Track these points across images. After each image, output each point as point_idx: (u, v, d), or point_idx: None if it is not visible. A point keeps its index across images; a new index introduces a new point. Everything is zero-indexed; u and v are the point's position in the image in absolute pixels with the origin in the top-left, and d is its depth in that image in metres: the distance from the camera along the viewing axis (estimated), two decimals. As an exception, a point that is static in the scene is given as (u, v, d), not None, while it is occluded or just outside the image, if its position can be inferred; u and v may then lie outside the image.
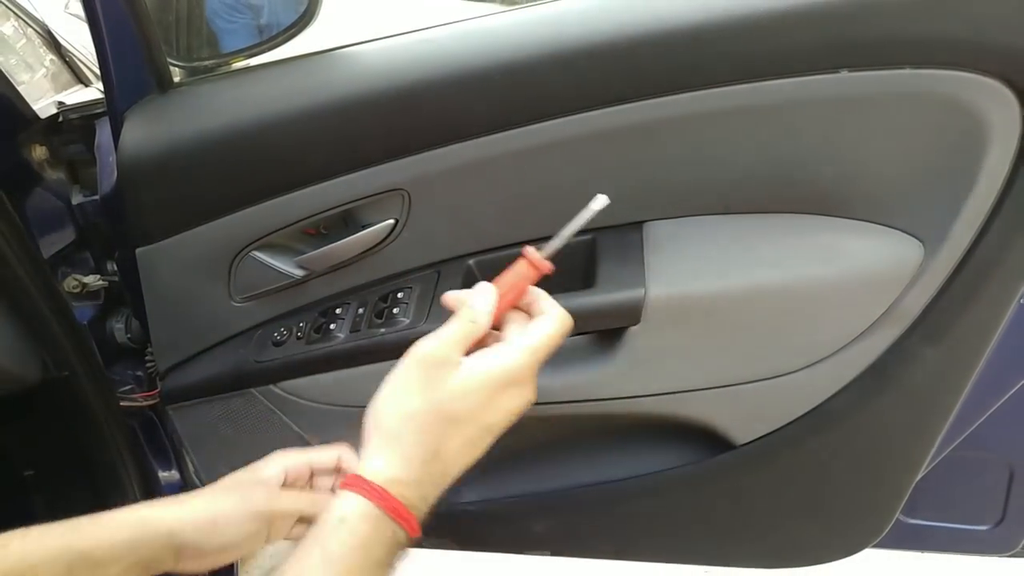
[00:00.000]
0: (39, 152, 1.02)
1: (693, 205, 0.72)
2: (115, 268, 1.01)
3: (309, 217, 0.74)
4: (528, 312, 0.52)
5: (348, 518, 0.45)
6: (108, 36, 0.73)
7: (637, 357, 0.71)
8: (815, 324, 0.70)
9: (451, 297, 0.51)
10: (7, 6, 1.31)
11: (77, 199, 1.00)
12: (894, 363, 0.70)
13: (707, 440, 0.77)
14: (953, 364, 0.71)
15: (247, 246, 0.76)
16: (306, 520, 0.59)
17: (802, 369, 0.71)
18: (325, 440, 0.83)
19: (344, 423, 0.82)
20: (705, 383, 0.72)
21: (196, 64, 0.91)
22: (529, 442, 0.85)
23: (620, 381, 0.73)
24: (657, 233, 0.72)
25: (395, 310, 0.75)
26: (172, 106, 0.77)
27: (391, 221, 0.74)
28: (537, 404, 0.75)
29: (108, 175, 0.86)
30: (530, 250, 0.52)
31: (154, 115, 0.76)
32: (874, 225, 0.68)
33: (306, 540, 0.45)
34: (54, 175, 1.02)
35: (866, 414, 0.73)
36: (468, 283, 0.76)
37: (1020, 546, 0.92)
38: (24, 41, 1.30)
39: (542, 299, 0.52)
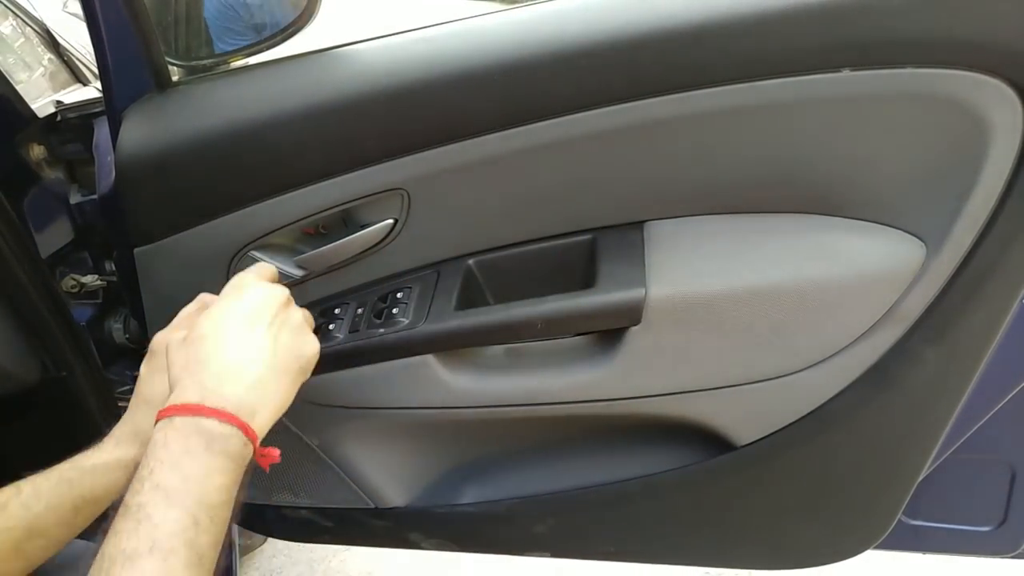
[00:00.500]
0: (37, 151, 1.02)
1: (694, 205, 0.71)
2: (113, 268, 1.01)
3: (308, 217, 0.74)
4: None
5: (156, 440, 0.49)
6: (106, 35, 0.72)
7: (637, 357, 0.71)
8: (816, 324, 0.69)
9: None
10: (6, 5, 1.31)
11: (75, 198, 1.00)
12: (896, 364, 0.70)
13: (708, 441, 0.76)
14: (955, 365, 0.71)
15: (246, 246, 0.76)
16: None
17: (803, 370, 0.71)
18: (323, 440, 0.83)
19: (343, 423, 0.82)
20: (706, 384, 0.72)
21: (195, 63, 0.91)
22: (529, 443, 0.85)
23: (620, 381, 0.73)
24: (658, 233, 0.72)
25: (394, 310, 0.75)
26: (171, 105, 0.77)
27: (390, 221, 0.74)
28: (537, 404, 0.75)
29: (106, 174, 0.86)
30: None
31: (153, 114, 0.75)
32: (876, 225, 0.68)
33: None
34: (52, 174, 1.02)
35: (867, 415, 0.73)
36: (468, 283, 0.76)
37: (1022, 547, 0.91)
38: (22, 40, 1.30)
39: None
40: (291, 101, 0.72)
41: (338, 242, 0.75)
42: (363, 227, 0.74)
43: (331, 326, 0.77)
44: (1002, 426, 0.81)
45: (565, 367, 0.74)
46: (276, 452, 0.56)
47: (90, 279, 1.00)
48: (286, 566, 1.57)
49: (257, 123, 0.72)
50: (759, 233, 0.69)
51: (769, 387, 0.72)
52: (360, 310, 0.77)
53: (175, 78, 0.80)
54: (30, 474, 0.61)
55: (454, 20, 0.76)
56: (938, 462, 0.79)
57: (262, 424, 0.54)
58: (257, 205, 0.73)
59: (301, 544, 1.53)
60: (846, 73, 0.61)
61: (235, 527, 1.08)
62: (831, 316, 0.69)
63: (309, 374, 0.60)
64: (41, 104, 1.02)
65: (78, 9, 0.78)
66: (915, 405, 0.73)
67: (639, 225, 0.73)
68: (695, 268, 0.69)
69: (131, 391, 0.67)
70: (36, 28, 1.32)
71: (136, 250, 0.77)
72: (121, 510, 0.47)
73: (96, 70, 0.89)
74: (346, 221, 0.76)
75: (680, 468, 0.78)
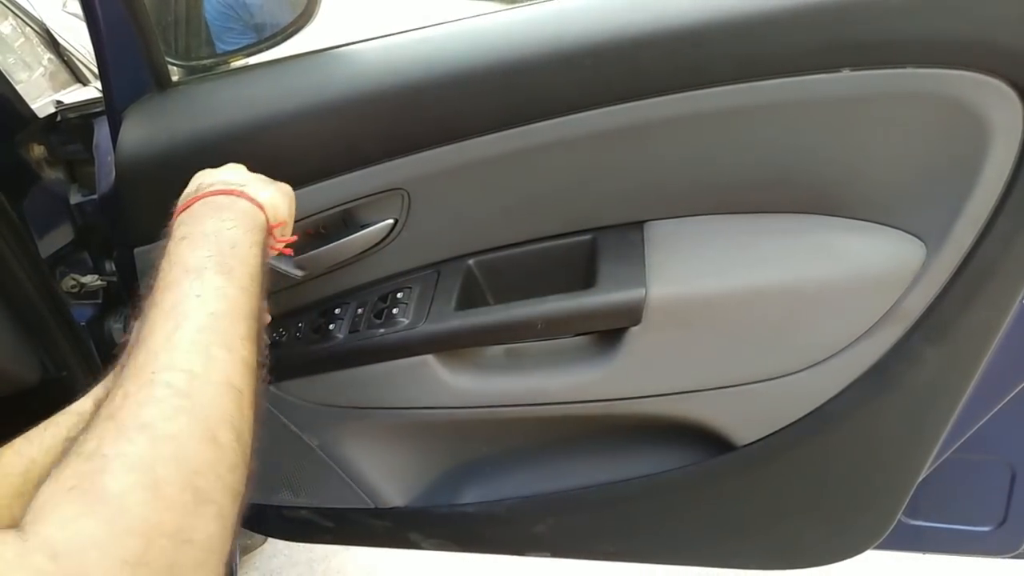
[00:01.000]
0: (37, 151, 1.01)
1: (694, 205, 0.71)
2: (113, 268, 1.01)
3: (308, 217, 0.74)
4: None
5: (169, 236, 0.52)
6: (106, 35, 0.72)
7: (638, 357, 0.71)
8: (816, 324, 0.69)
9: None
10: (6, 5, 1.31)
11: (75, 198, 1.00)
12: (896, 363, 0.70)
13: (708, 441, 0.76)
14: (955, 364, 0.71)
15: (246, 246, 0.76)
16: None
17: (803, 370, 0.71)
18: (323, 440, 0.83)
19: (343, 423, 0.82)
20: (706, 384, 0.72)
21: (195, 63, 0.91)
22: (529, 443, 0.85)
23: (620, 381, 0.73)
24: (658, 233, 0.72)
25: (394, 310, 0.75)
26: (171, 105, 0.77)
27: (390, 221, 0.74)
28: (537, 404, 0.75)
29: (106, 174, 0.86)
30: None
31: (153, 114, 0.75)
32: (876, 225, 0.68)
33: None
34: (52, 174, 1.02)
35: (867, 415, 0.73)
36: (468, 283, 0.76)
37: (1022, 547, 0.91)
38: (22, 40, 1.30)
39: None
40: (291, 101, 0.72)
41: (338, 242, 0.75)
42: (363, 227, 0.74)
43: (331, 326, 0.77)
44: (1002, 426, 0.81)
45: (565, 367, 0.74)
46: (281, 230, 0.60)
47: (90, 279, 1.00)
48: (286, 566, 1.57)
49: (257, 123, 0.72)
50: (759, 233, 0.69)
51: (769, 387, 0.71)
52: (360, 310, 0.77)
53: (175, 78, 0.80)
54: None
55: (454, 20, 0.76)
56: (938, 462, 0.79)
57: (267, 202, 0.57)
58: (257, 205, 0.73)
59: (301, 544, 1.53)
60: (846, 73, 0.61)
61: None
62: (831, 316, 0.69)
63: (293, 201, 0.63)
64: (41, 104, 1.02)
65: (78, 9, 0.78)
66: (915, 405, 0.73)
67: (639, 225, 0.73)
68: (695, 268, 0.69)
69: None
70: (36, 28, 1.32)
71: (136, 250, 0.77)
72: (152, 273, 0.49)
73: (96, 70, 0.89)
74: (346, 221, 0.76)
75: (680, 468, 0.78)
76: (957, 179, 0.64)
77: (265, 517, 0.92)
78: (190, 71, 0.88)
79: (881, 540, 0.81)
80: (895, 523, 0.80)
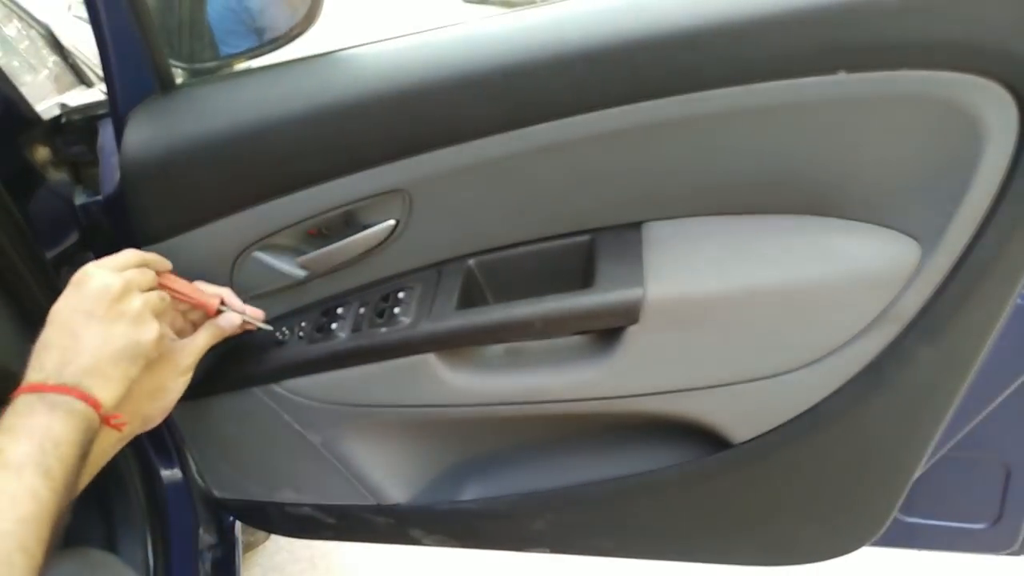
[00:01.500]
0: (42, 153, 1.02)
1: (691, 206, 0.72)
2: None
3: (310, 217, 0.74)
4: None
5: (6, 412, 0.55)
6: (111, 38, 0.73)
7: (635, 356, 0.72)
8: (812, 324, 0.70)
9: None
10: (10, 8, 1.31)
11: (80, 200, 1.00)
12: (891, 363, 0.71)
13: (705, 438, 0.77)
14: (950, 364, 0.72)
15: (249, 247, 0.76)
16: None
17: (799, 368, 0.72)
18: (326, 438, 0.84)
19: (345, 421, 0.82)
20: (703, 382, 0.73)
21: (198, 66, 0.91)
22: (529, 440, 0.85)
23: (618, 380, 0.73)
24: (656, 234, 0.73)
25: (396, 309, 0.76)
26: (174, 107, 0.77)
27: (392, 222, 0.74)
28: (537, 402, 0.76)
29: (111, 176, 0.87)
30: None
31: (157, 116, 0.76)
32: (871, 226, 0.68)
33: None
34: (57, 176, 1.02)
35: (863, 413, 0.73)
36: (468, 283, 0.77)
37: (1017, 544, 0.92)
38: (27, 43, 1.30)
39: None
40: (294, 104, 0.72)
41: (340, 243, 0.76)
42: (365, 228, 0.75)
43: (334, 325, 0.78)
44: (997, 424, 0.82)
45: (564, 366, 0.75)
46: (123, 417, 0.62)
47: (94, 279, 1.00)
48: (288, 563, 1.58)
49: (260, 125, 0.73)
50: (755, 234, 0.70)
51: (765, 385, 0.72)
52: (362, 309, 0.78)
53: (179, 80, 0.81)
54: None
55: (455, 24, 0.76)
56: (933, 460, 0.79)
57: (106, 397, 0.58)
58: (260, 206, 0.74)
59: (303, 541, 1.54)
60: (841, 76, 0.61)
61: (238, 524, 1.09)
62: (827, 316, 0.70)
63: (157, 354, 0.64)
64: (46, 106, 1.03)
65: (83, 12, 0.79)
66: (910, 404, 0.74)
67: (637, 226, 0.74)
68: (692, 268, 0.70)
69: None
70: (40, 31, 1.33)
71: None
72: None
73: (100, 73, 0.90)
74: (348, 222, 0.76)
75: (677, 465, 0.79)
76: (952, 180, 0.64)
77: (267, 514, 0.93)
78: (194, 73, 0.89)
79: (877, 537, 0.82)
80: (891, 520, 0.81)
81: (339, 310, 0.79)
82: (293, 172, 0.73)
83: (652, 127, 0.66)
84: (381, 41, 0.77)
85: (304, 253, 0.77)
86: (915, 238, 0.67)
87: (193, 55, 0.90)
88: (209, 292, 0.72)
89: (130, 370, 0.61)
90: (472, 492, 0.86)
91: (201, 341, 0.71)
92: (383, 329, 0.75)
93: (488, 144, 0.68)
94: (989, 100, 0.60)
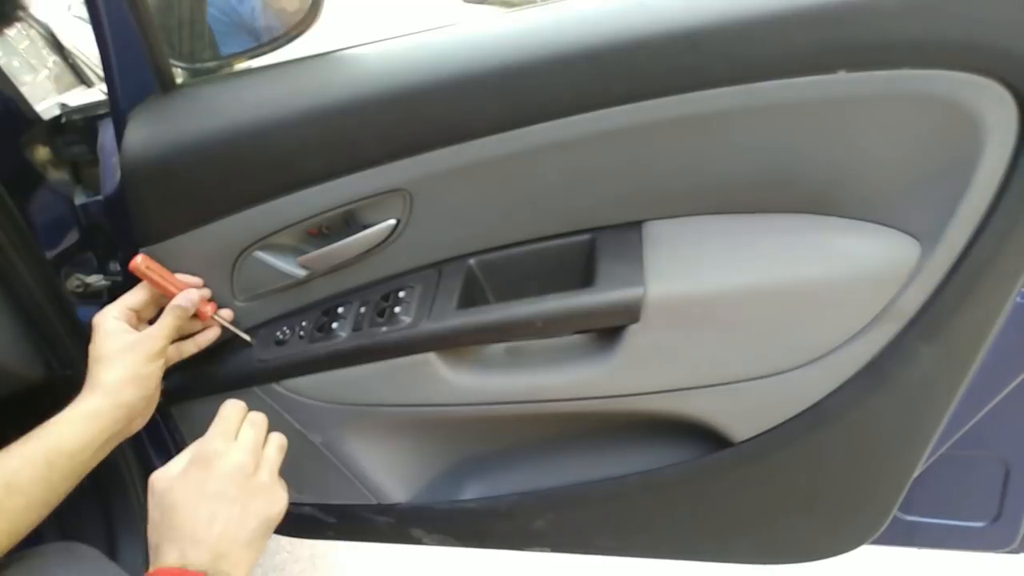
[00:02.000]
0: (42, 153, 1.02)
1: (692, 205, 0.72)
2: (118, 268, 1.01)
3: (311, 217, 0.74)
4: None
5: None
6: (111, 37, 0.73)
7: (636, 355, 0.72)
8: (812, 322, 0.70)
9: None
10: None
11: (80, 199, 1.00)
12: (891, 361, 0.71)
13: (705, 437, 0.77)
14: (949, 362, 0.72)
15: (249, 246, 0.77)
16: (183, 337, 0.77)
17: (799, 367, 0.72)
18: (327, 438, 0.84)
19: (346, 420, 0.83)
20: (703, 381, 0.73)
21: (198, 66, 0.91)
22: (529, 439, 0.86)
23: (619, 379, 0.74)
24: (656, 233, 0.73)
25: (396, 309, 0.76)
26: (175, 107, 0.77)
27: (392, 221, 0.75)
28: (537, 401, 0.76)
29: (111, 175, 0.87)
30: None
31: (157, 116, 0.76)
32: (871, 224, 0.69)
33: None
34: (57, 176, 1.02)
35: (863, 412, 0.74)
36: (469, 282, 0.77)
37: (1016, 542, 0.92)
38: (27, 43, 1.30)
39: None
40: (294, 103, 0.72)
41: (341, 242, 0.76)
42: (365, 227, 0.75)
43: (334, 325, 0.78)
44: (997, 423, 0.82)
45: (565, 365, 0.75)
46: None
47: (95, 279, 1.00)
48: (288, 562, 1.58)
49: (260, 125, 0.73)
50: (755, 233, 0.70)
51: (765, 384, 0.72)
52: (363, 309, 0.78)
53: (179, 80, 0.81)
54: None
55: (455, 25, 0.76)
56: (933, 458, 0.79)
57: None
58: (261, 206, 0.74)
59: (304, 540, 1.54)
60: (841, 75, 0.61)
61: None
62: (827, 314, 0.70)
63: (280, 521, 0.64)
64: (46, 106, 1.03)
65: (83, 12, 0.79)
66: (910, 402, 0.74)
67: (637, 225, 0.74)
68: (692, 267, 0.70)
69: None
70: (40, 31, 1.33)
71: (141, 250, 0.77)
72: None
73: (101, 72, 0.90)
74: (349, 222, 0.76)
75: (677, 464, 0.79)
76: (952, 179, 0.64)
77: (268, 514, 0.93)
78: (194, 73, 0.89)
79: (877, 535, 0.82)
80: (890, 518, 0.81)
81: (340, 309, 0.79)
82: (293, 172, 0.73)
83: (652, 126, 0.66)
84: (381, 41, 0.77)
85: (305, 252, 0.77)
86: (915, 237, 0.67)
87: (193, 55, 0.90)
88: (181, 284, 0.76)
89: (262, 542, 0.62)
90: (473, 491, 0.86)
91: (165, 323, 0.73)
92: (384, 328, 0.75)
93: (488, 143, 0.68)
94: (989, 99, 0.60)
